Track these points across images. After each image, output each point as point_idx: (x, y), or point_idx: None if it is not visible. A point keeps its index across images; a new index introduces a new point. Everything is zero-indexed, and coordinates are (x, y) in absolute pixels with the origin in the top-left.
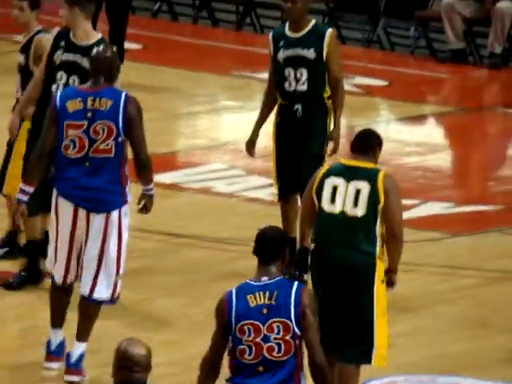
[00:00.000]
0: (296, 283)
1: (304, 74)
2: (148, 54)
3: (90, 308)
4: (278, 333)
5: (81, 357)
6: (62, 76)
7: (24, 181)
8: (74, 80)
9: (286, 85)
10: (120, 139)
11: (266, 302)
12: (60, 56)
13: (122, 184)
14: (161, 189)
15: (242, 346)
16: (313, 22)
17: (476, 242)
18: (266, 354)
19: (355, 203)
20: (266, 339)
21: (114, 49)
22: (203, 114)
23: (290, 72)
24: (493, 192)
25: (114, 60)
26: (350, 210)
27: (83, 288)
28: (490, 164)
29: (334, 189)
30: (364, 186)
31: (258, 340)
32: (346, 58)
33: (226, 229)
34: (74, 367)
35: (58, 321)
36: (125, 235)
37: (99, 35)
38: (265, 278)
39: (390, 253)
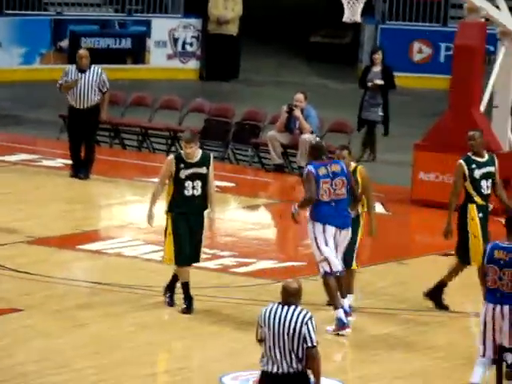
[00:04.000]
0: None
1: (490, 184)
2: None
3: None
4: (509, 277)
5: (350, 307)
6: (188, 184)
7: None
8: (198, 183)
9: (484, 190)
10: (348, 187)
11: (504, 257)
12: (184, 172)
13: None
14: (91, 253)
15: (488, 277)
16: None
17: None
18: (502, 288)
19: None
20: (500, 279)
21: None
22: (117, 205)
23: (484, 183)
24: (301, 254)
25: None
26: None
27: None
28: (300, 236)
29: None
30: None
31: (495, 278)
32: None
33: (132, 278)
34: (349, 312)
35: (341, 295)
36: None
37: (200, 151)
38: (507, 243)
39: None
